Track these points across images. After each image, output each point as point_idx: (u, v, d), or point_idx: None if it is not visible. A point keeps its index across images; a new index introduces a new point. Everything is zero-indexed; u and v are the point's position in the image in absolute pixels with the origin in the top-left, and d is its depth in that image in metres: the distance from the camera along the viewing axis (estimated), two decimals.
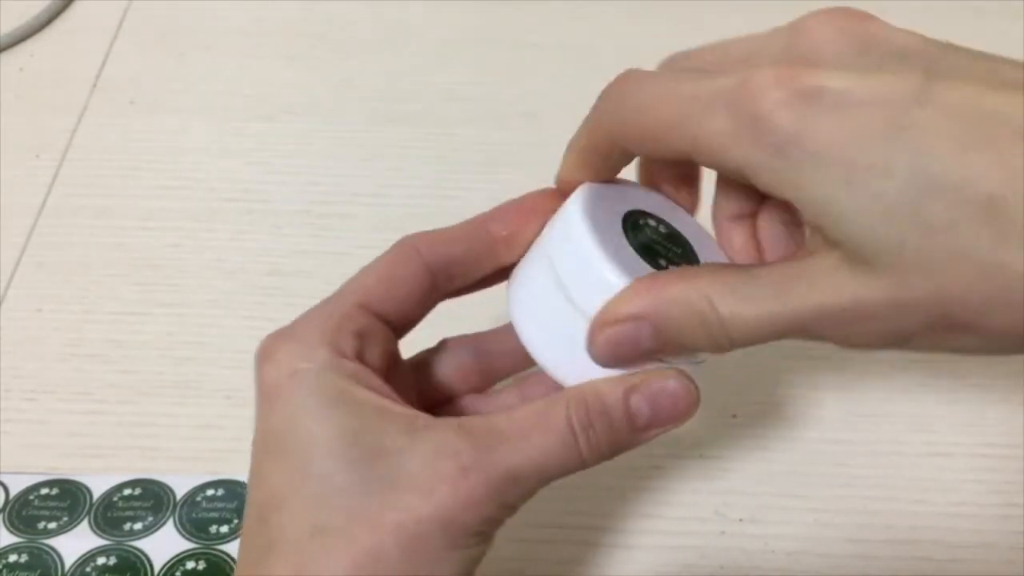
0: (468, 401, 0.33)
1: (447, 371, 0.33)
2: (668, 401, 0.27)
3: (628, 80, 0.26)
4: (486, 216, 0.31)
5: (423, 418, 0.27)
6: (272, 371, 0.28)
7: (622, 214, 0.28)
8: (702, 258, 0.29)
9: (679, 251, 0.28)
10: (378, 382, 0.28)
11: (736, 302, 0.24)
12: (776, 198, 0.23)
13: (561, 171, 0.30)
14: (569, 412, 0.27)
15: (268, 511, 0.26)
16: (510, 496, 0.26)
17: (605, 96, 0.27)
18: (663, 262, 0.27)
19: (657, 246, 0.28)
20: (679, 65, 0.28)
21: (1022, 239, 0.20)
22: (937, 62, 0.22)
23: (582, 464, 0.27)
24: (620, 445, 0.27)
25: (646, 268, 0.27)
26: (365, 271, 0.30)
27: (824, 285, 0.23)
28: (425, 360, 0.33)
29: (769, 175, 0.23)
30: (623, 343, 0.26)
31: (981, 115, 0.21)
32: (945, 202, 0.20)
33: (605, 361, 0.27)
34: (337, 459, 0.26)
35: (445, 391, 0.33)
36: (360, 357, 0.28)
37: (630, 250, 0.27)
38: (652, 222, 0.29)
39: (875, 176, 0.21)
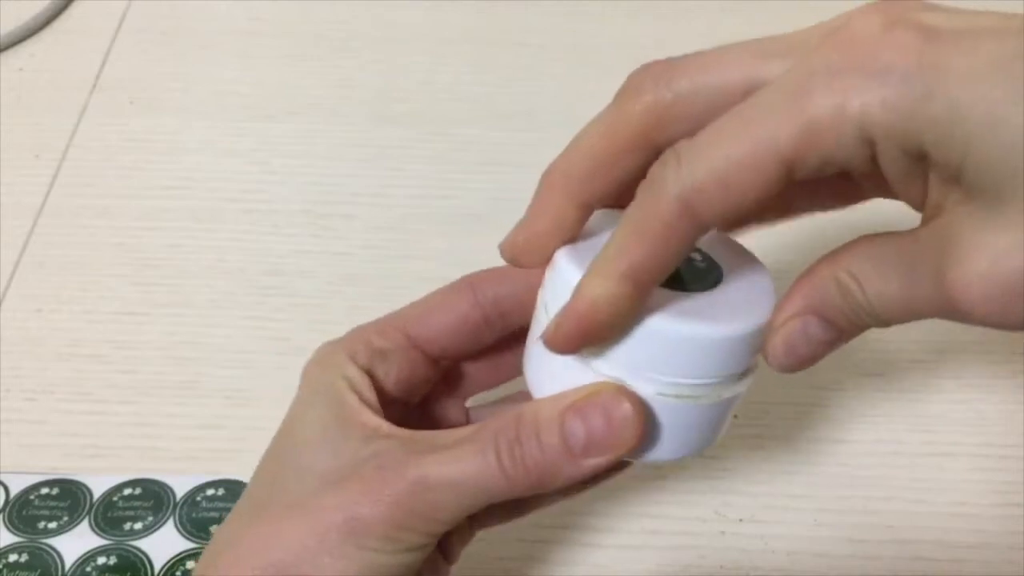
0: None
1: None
2: (602, 423, 0.24)
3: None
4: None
5: (387, 427, 0.27)
6: (306, 371, 0.29)
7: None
8: (720, 259, 0.28)
9: (705, 260, 0.27)
10: (370, 395, 0.28)
11: (880, 280, 0.22)
12: (896, 152, 0.21)
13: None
14: (497, 429, 0.25)
15: (249, 484, 0.28)
16: (422, 505, 0.25)
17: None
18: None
19: None
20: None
21: None
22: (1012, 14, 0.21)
23: (507, 485, 0.25)
24: (552, 470, 0.25)
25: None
26: (418, 300, 0.31)
27: (960, 250, 0.21)
28: (490, 406, 0.34)
29: (900, 126, 0.20)
30: (797, 343, 0.24)
31: None
32: None
33: (793, 368, 0.25)
34: (302, 447, 0.27)
35: None
36: (369, 370, 0.29)
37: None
38: None
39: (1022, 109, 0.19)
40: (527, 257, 0.28)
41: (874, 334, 0.35)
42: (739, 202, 0.22)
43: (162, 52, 0.58)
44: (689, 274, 0.26)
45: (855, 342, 0.40)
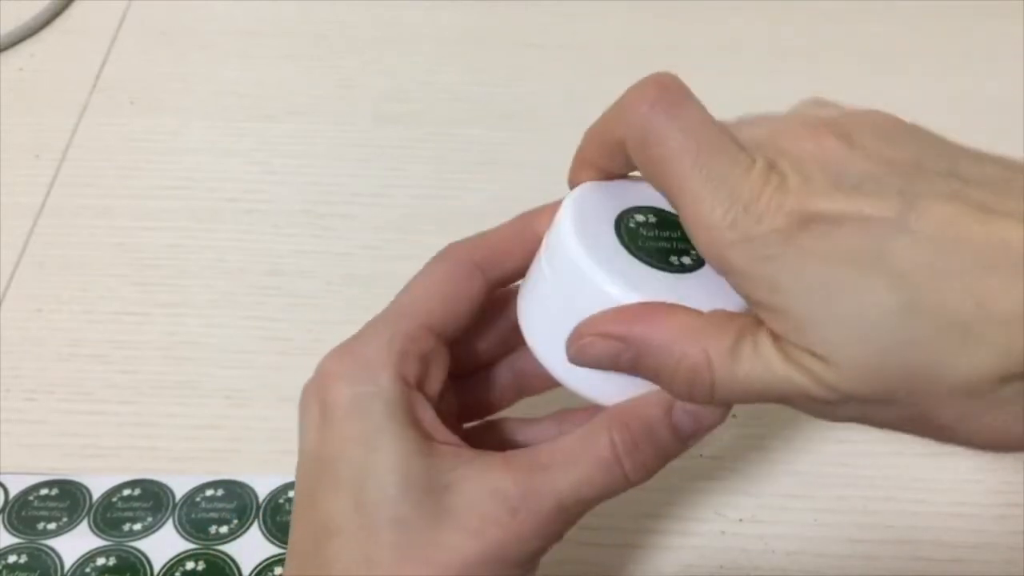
0: (509, 427, 0.33)
1: (485, 387, 0.33)
2: (705, 409, 0.27)
3: (664, 98, 0.25)
4: (530, 216, 0.31)
5: (467, 452, 0.27)
6: (335, 392, 0.28)
7: (615, 215, 0.28)
8: None
9: (677, 235, 0.28)
10: (430, 412, 0.28)
11: (733, 365, 0.24)
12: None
13: (573, 164, 0.29)
14: (612, 438, 0.27)
15: (323, 538, 0.27)
16: (557, 527, 0.27)
17: (633, 100, 0.26)
18: (672, 258, 0.27)
19: (648, 241, 0.27)
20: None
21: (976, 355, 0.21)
22: (910, 183, 0.23)
23: (627, 484, 0.27)
24: (668, 458, 0.28)
25: (640, 267, 0.27)
26: (425, 289, 0.30)
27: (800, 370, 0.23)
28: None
29: (749, 283, 0.23)
30: (600, 356, 0.26)
31: (954, 244, 0.22)
32: (922, 326, 0.22)
33: (575, 362, 0.27)
34: (389, 492, 0.26)
35: (483, 404, 0.33)
36: (421, 384, 0.28)
37: (621, 251, 0.27)
38: (640, 216, 0.28)
39: (855, 298, 0.22)
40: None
41: None
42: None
43: (162, 52, 0.58)
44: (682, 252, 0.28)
45: None
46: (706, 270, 0.27)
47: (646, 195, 0.29)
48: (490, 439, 0.32)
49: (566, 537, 0.38)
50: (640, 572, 0.38)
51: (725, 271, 0.24)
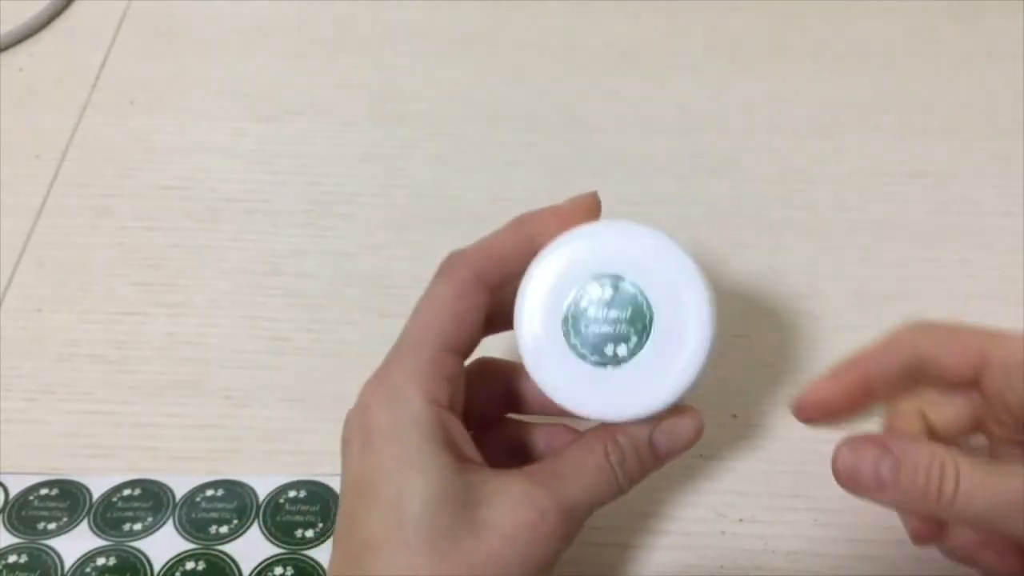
0: (513, 428, 0.36)
1: (481, 397, 0.34)
2: (681, 432, 0.32)
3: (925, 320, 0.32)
4: (528, 221, 0.32)
5: (489, 470, 0.30)
6: (374, 418, 0.30)
7: (572, 290, 0.30)
8: (657, 325, 0.29)
9: (625, 315, 0.29)
10: (461, 430, 0.30)
11: (978, 476, 0.27)
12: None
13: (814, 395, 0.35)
14: (608, 452, 0.31)
15: (365, 555, 0.29)
16: (573, 530, 0.30)
17: (904, 328, 0.33)
18: (607, 348, 0.29)
19: (592, 326, 0.29)
20: None
21: None
22: None
23: (620, 492, 0.31)
24: (648, 471, 0.32)
25: (572, 364, 0.29)
26: (437, 312, 0.31)
27: None
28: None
29: None
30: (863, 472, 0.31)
31: None
32: None
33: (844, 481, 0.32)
34: (427, 508, 0.28)
35: (480, 413, 0.34)
36: (451, 404, 0.30)
37: (562, 345, 0.29)
38: (596, 290, 0.29)
39: None
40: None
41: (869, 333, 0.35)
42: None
43: (162, 52, 0.58)
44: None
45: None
46: (633, 363, 0.29)
47: (621, 251, 0.30)
48: (497, 438, 0.35)
49: None
50: (640, 572, 0.38)
51: None
